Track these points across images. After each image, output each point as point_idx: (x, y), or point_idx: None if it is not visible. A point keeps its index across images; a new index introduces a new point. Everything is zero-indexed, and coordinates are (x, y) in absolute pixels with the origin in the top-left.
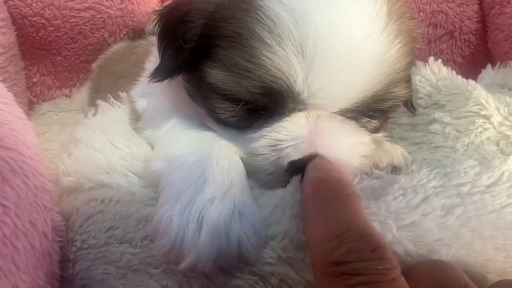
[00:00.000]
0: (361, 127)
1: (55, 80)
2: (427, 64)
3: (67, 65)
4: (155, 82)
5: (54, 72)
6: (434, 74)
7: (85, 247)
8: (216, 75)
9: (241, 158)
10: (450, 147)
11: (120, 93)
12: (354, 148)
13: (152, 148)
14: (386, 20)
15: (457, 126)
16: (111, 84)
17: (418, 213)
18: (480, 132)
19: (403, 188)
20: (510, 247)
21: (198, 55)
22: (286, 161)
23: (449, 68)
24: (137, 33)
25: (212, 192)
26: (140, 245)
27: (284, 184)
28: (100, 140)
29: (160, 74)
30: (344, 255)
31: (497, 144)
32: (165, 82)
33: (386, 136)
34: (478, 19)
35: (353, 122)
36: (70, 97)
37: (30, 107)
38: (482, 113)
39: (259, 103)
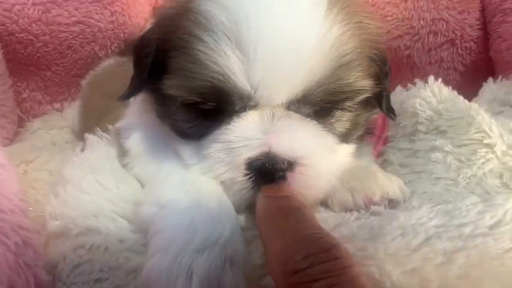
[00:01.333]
0: (326, 130)
1: (45, 95)
2: (426, 84)
3: (57, 80)
4: (121, 101)
5: (44, 87)
6: (435, 95)
7: None
8: (169, 84)
9: (206, 175)
10: (452, 179)
11: (108, 125)
12: (316, 149)
13: (142, 185)
14: (325, 7)
15: (459, 155)
16: (102, 104)
17: (419, 257)
18: (483, 163)
19: (402, 227)
20: None
21: (159, 72)
22: (240, 161)
23: (450, 88)
24: (128, 47)
25: (203, 242)
26: None
27: (253, 194)
28: (88, 180)
29: (127, 94)
30: (300, 262)
31: (500, 177)
32: (147, 115)
33: (385, 161)
34: (479, 26)
35: (315, 123)
36: (61, 112)
37: (20, 124)
38: (485, 141)
39: (210, 105)
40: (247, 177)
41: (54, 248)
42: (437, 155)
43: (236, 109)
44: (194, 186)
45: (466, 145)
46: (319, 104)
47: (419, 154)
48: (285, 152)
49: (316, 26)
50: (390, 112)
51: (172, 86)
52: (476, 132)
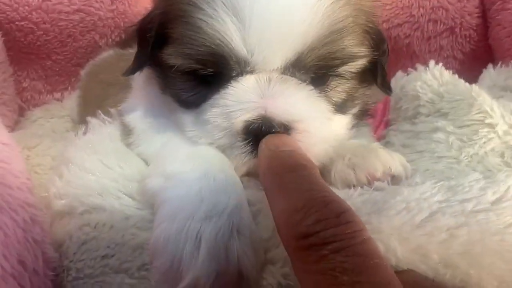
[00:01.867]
0: (321, 96)
1: (45, 85)
2: (427, 68)
3: (57, 69)
4: (127, 75)
5: (44, 77)
6: (436, 79)
7: (81, 276)
8: (169, 53)
9: (205, 143)
10: (454, 158)
11: (109, 109)
12: (311, 113)
13: (147, 164)
14: None
15: (461, 135)
16: (102, 92)
17: (423, 234)
18: (484, 142)
19: (406, 201)
20: (507, 272)
21: (161, 45)
22: (237, 125)
23: (450, 72)
24: (128, 41)
25: (210, 211)
26: (138, 276)
27: (252, 159)
28: (92, 160)
29: (131, 69)
30: (311, 226)
31: (502, 156)
32: (150, 90)
33: (387, 143)
34: (479, 14)
35: (311, 88)
36: (61, 101)
37: (20, 113)
38: (486, 121)
39: (208, 71)
40: (246, 141)
41: (60, 227)
42: (439, 135)
43: (234, 74)
44: (201, 158)
45: (468, 125)
46: (313, 69)
47: (421, 135)
48: (281, 115)
49: None
50: (386, 88)
51: (171, 54)
52: (477, 113)
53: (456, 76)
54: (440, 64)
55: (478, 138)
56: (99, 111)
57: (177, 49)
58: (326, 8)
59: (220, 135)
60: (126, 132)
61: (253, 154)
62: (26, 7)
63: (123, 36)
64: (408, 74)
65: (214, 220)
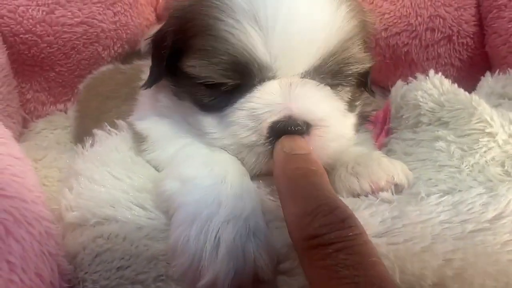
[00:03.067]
0: (336, 95)
1: (49, 96)
2: (427, 77)
3: (61, 80)
4: (145, 89)
5: (47, 88)
6: (436, 87)
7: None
8: (192, 66)
9: (226, 145)
10: (456, 167)
11: (116, 120)
12: (331, 112)
13: (158, 171)
14: None
15: (462, 144)
16: (100, 105)
17: (422, 260)
18: (485, 151)
19: (412, 224)
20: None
21: (178, 58)
22: (265, 125)
23: (449, 81)
24: (129, 56)
25: (228, 215)
26: (154, 287)
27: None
28: (100, 172)
29: (148, 82)
30: (318, 229)
31: (502, 165)
32: (162, 98)
33: (389, 151)
34: (476, 22)
35: (328, 88)
36: (65, 112)
37: (24, 125)
38: (487, 130)
39: (232, 81)
40: (269, 140)
41: (73, 239)
42: (440, 144)
43: (256, 81)
44: (218, 165)
45: (468, 134)
46: (330, 74)
47: (423, 144)
48: (304, 115)
49: (327, 4)
50: (370, 92)
51: (194, 66)
52: (477, 122)
53: (456, 85)
54: (440, 73)
55: (478, 147)
56: (105, 123)
57: (201, 60)
58: (342, 17)
59: (246, 134)
60: (139, 140)
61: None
62: (30, 20)
63: (126, 47)
64: (408, 83)
65: (232, 223)
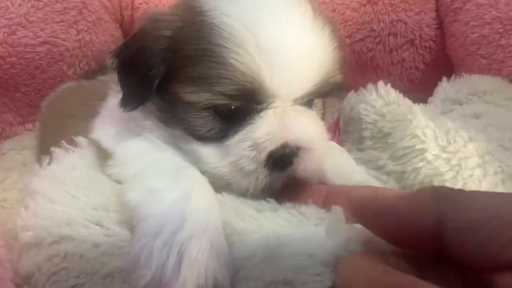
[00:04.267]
0: (314, 111)
1: (16, 117)
2: (374, 88)
3: (27, 100)
4: (128, 111)
5: (14, 109)
6: (382, 98)
7: None
8: (190, 91)
9: (222, 173)
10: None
11: (74, 137)
12: (318, 133)
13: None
14: (314, 20)
15: (396, 166)
16: (59, 125)
17: None
18: (415, 176)
19: None
20: None
21: (166, 81)
22: (263, 154)
23: (397, 91)
24: (95, 71)
25: (192, 230)
26: None
27: (266, 183)
28: (57, 191)
29: (129, 103)
30: None
31: (430, 183)
32: (149, 125)
33: None
34: (436, 25)
35: (310, 110)
36: (34, 131)
37: None
38: (417, 147)
39: (235, 106)
40: (267, 166)
41: (28, 260)
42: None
43: (258, 108)
44: (185, 180)
45: (402, 156)
46: (317, 95)
47: (368, 165)
48: (297, 141)
49: (317, 31)
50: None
51: (193, 92)
52: (411, 138)
53: (401, 95)
54: (389, 84)
55: (410, 170)
56: (63, 141)
57: (202, 88)
58: (330, 43)
59: (248, 163)
60: (105, 156)
61: (270, 176)
62: None
63: (92, 64)
64: (358, 95)
65: (195, 239)
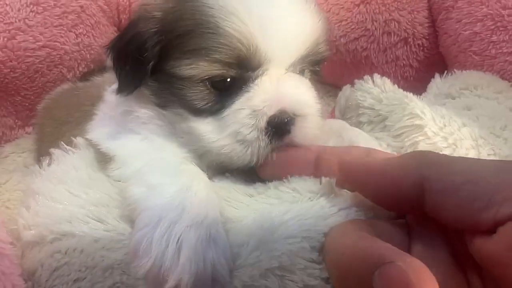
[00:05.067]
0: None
1: (16, 120)
2: (369, 78)
3: (27, 104)
4: (124, 96)
5: (14, 112)
6: (378, 86)
7: None
8: (186, 65)
9: (223, 146)
10: None
11: (73, 138)
12: (311, 101)
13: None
14: None
15: (399, 149)
16: (55, 131)
17: None
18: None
19: None
20: None
21: (160, 63)
22: (263, 120)
23: (391, 81)
24: (90, 72)
25: (191, 220)
26: None
27: (269, 148)
28: (58, 190)
29: (125, 88)
30: None
31: None
32: (142, 112)
33: None
34: (429, 24)
35: (305, 79)
36: (33, 134)
37: None
38: (416, 122)
39: (230, 78)
40: (267, 134)
41: (31, 257)
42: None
43: (253, 76)
44: (184, 175)
45: (399, 135)
46: (308, 63)
47: None
48: (293, 107)
49: (305, 4)
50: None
51: (190, 64)
52: (408, 118)
53: (396, 86)
54: (384, 77)
55: (410, 143)
56: (61, 142)
57: (199, 58)
58: (317, 13)
59: (248, 131)
60: (105, 160)
61: (271, 144)
62: None
63: (91, 67)
64: (354, 85)
65: (194, 229)
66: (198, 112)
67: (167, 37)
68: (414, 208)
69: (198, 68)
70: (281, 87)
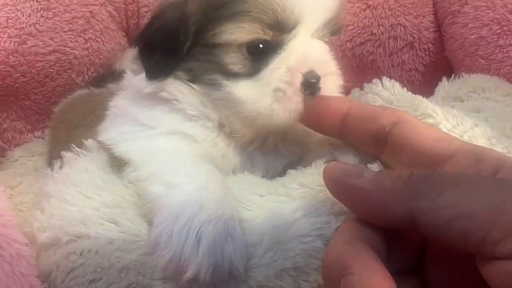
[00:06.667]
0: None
1: (26, 124)
2: (379, 81)
3: (37, 108)
4: (159, 80)
5: (24, 116)
6: (387, 89)
7: None
8: (224, 32)
9: (262, 106)
10: None
11: (85, 141)
12: (335, 65)
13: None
14: None
15: None
16: (67, 135)
17: None
18: None
19: None
20: None
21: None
22: (299, 77)
23: (400, 85)
24: (103, 78)
25: (209, 216)
26: None
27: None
28: (71, 192)
29: (157, 74)
30: None
31: None
32: (175, 91)
33: None
34: (435, 28)
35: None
36: (43, 138)
37: (2, 153)
38: (429, 121)
39: (264, 43)
40: (302, 90)
41: (46, 259)
42: None
43: (287, 38)
44: (202, 175)
45: None
46: (330, 30)
47: None
48: (322, 68)
49: None
50: None
51: (227, 31)
52: (422, 118)
53: (405, 89)
54: (393, 80)
55: None
56: (72, 145)
57: (235, 23)
58: None
59: (286, 88)
60: (117, 164)
61: (303, 101)
62: (3, 52)
63: (100, 71)
64: (364, 88)
65: (212, 224)
66: (234, 76)
67: (205, 13)
68: (409, 229)
69: (237, 33)
70: (310, 48)
